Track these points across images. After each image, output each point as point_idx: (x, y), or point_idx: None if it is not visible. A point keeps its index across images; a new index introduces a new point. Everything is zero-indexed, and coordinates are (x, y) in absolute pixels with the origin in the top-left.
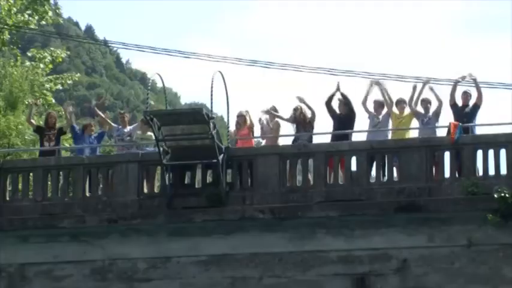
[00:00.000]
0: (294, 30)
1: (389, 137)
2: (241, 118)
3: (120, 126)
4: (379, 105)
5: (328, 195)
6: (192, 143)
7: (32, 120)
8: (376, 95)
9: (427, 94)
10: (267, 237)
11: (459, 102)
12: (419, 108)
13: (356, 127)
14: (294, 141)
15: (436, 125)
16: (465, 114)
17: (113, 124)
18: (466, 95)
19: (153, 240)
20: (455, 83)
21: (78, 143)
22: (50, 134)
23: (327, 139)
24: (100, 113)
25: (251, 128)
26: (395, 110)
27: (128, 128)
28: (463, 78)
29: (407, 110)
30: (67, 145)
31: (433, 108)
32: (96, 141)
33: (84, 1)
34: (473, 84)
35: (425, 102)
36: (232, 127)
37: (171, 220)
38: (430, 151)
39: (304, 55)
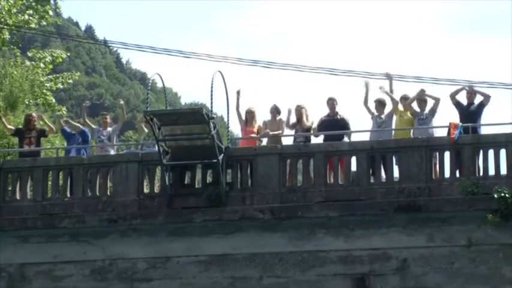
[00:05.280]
0: (294, 30)
1: (393, 135)
2: (250, 115)
3: (101, 128)
4: (380, 104)
5: (328, 195)
6: (192, 143)
7: (10, 126)
8: (376, 94)
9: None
10: (267, 237)
11: (463, 101)
12: (415, 107)
13: (358, 127)
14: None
15: (434, 123)
16: (470, 112)
17: (93, 126)
18: (471, 93)
19: (153, 240)
20: (458, 90)
21: (71, 143)
22: (30, 136)
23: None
24: (84, 115)
25: (259, 128)
26: (400, 106)
27: (108, 130)
28: (466, 88)
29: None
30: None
31: (429, 106)
32: (81, 139)
33: (84, 1)
34: (474, 91)
35: (421, 101)
36: (233, 126)
37: (171, 220)
38: (430, 151)
39: (304, 55)
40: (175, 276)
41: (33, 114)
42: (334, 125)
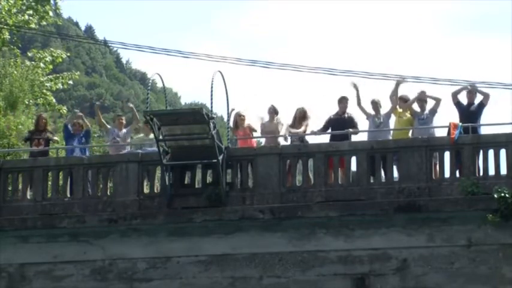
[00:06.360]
0: (293, 30)
1: (391, 135)
2: (241, 118)
3: (116, 129)
4: (376, 105)
5: (328, 195)
6: (192, 143)
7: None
8: (372, 94)
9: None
10: (267, 237)
11: (464, 101)
12: (415, 107)
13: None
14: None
15: (434, 123)
16: (471, 112)
17: (108, 126)
18: (471, 94)
19: (153, 240)
20: (460, 90)
21: (69, 142)
22: (39, 138)
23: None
24: (99, 113)
25: (251, 130)
26: (397, 107)
27: (124, 131)
28: (468, 87)
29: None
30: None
31: (429, 106)
32: (84, 139)
33: (84, 1)
34: (475, 90)
35: (421, 101)
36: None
37: (171, 220)
38: (430, 151)
39: (303, 55)
40: (175, 276)
41: (43, 115)
42: (342, 124)
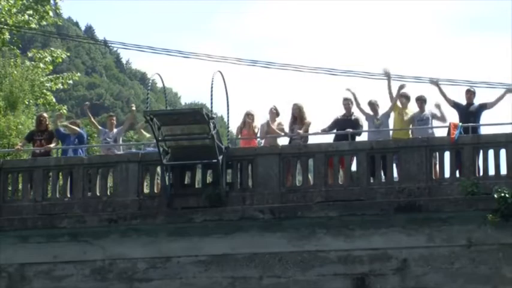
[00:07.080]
0: (293, 30)
1: (391, 134)
2: (250, 117)
3: (107, 130)
4: (374, 106)
5: (328, 195)
6: (192, 143)
7: (20, 143)
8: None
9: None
10: (267, 237)
11: (462, 101)
12: (414, 108)
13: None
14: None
15: (434, 123)
16: (470, 113)
17: (99, 127)
18: (470, 94)
19: (153, 240)
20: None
21: (66, 144)
22: (41, 139)
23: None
24: (90, 115)
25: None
26: (398, 103)
27: (114, 131)
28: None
29: (410, 106)
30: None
31: (428, 106)
32: (77, 140)
33: (84, 1)
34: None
35: (420, 101)
36: (233, 127)
37: (171, 220)
38: (430, 151)
39: (303, 55)
40: (175, 276)
41: (44, 114)
42: (349, 124)
